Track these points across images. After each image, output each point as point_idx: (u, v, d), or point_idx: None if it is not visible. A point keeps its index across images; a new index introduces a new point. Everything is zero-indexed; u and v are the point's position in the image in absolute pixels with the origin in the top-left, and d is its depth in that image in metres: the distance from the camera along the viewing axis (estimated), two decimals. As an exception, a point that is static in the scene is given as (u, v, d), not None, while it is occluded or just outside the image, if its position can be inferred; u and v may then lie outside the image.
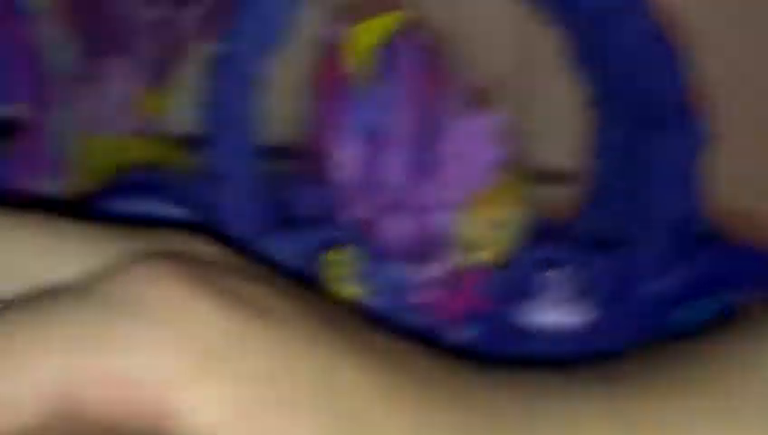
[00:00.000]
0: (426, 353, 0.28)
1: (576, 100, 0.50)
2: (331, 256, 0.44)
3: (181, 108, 0.60)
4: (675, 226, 0.46)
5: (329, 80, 0.46)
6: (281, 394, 0.24)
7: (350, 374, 0.25)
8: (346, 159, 0.46)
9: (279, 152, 0.48)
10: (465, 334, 0.46)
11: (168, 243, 0.27)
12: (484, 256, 0.47)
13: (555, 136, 0.54)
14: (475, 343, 0.46)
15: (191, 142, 0.57)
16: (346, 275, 0.45)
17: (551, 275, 0.45)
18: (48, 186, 0.48)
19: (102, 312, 0.24)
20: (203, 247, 0.28)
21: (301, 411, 0.24)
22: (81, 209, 0.46)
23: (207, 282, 0.25)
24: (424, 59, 0.46)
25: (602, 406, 0.27)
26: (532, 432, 0.27)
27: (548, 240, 0.46)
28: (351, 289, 0.45)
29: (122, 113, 0.59)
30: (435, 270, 0.45)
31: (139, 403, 0.24)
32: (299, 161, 0.47)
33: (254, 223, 0.45)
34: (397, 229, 0.47)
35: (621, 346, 0.45)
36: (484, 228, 0.47)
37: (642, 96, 0.47)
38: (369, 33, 0.46)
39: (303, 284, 0.28)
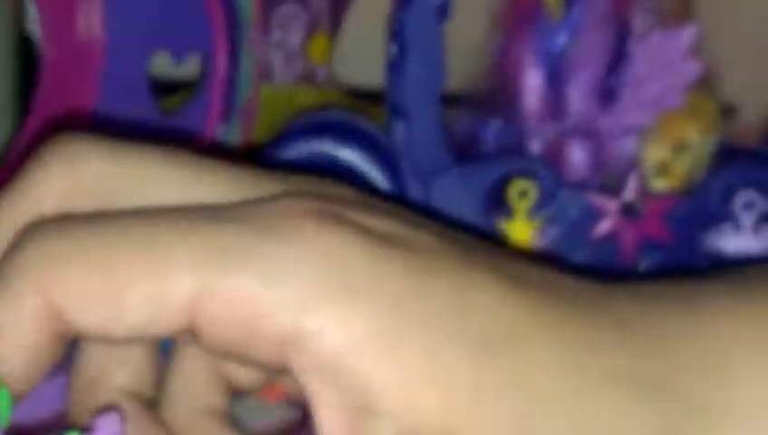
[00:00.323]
0: (563, 274, 0.27)
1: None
2: (516, 186, 0.44)
3: (350, 57, 0.60)
4: None
5: (520, 9, 0.46)
6: (414, 317, 0.24)
7: (491, 294, 0.25)
8: (533, 86, 0.45)
9: (458, 100, 0.48)
10: (647, 263, 0.45)
11: (304, 185, 0.27)
12: (670, 182, 0.46)
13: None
14: (657, 272, 0.45)
15: (360, 93, 0.58)
16: (530, 206, 0.44)
17: (736, 200, 0.44)
18: (224, 134, 0.49)
19: (245, 233, 0.24)
20: (338, 189, 0.28)
21: (436, 333, 0.24)
22: (255, 158, 0.47)
23: (344, 217, 0.25)
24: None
25: (738, 319, 0.26)
26: (664, 348, 0.26)
27: (735, 166, 0.45)
28: (535, 219, 0.45)
29: (292, 61, 0.60)
30: (618, 198, 0.45)
31: (265, 326, 0.24)
32: (480, 100, 0.46)
33: (437, 159, 0.45)
34: (581, 156, 0.46)
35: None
36: (670, 152, 0.46)
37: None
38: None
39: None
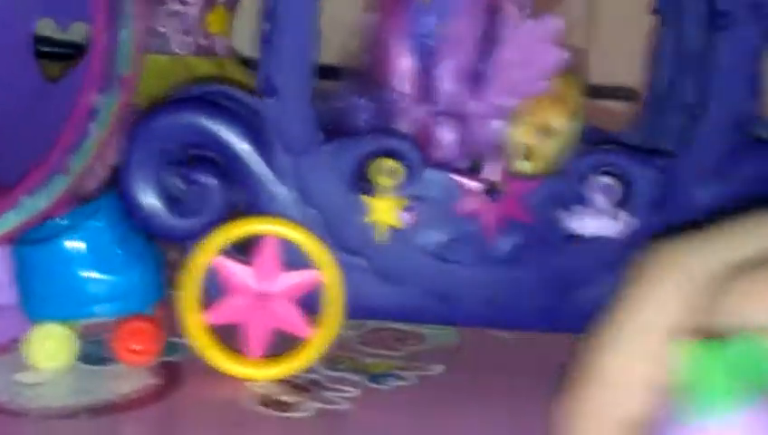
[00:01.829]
0: None
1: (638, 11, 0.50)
2: (382, 165, 0.45)
3: (244, 30, 0.61)
4: (732, 128, 0.45)
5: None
6: None
7: None
8: (403, 67, 0.46)
9: (332, 72, 0.48)
10: (508, 243, 0.46)
11: None
12: (535, 165, 0.47)
13: (613, 51, 0.54)
14: (517, 251, 0.46)
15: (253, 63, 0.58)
16: (396, 184, 0.46)
17: (594, 184, 0.45)
18: (102, 104, 0.49)
19: None
20: None
21: None
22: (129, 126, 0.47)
23: None
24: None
25: None
26: None
27: (594, 150, 0.46)
28: (400, 198, 0.46)
29: (190, 33, 0.61)
30: (483, 178, 0.46)
31: None
32: (353, 77, 0.47)
33: (307, 135, 0.46)
34: (449, 137, 0.47)
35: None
36: (535, 137, 0.47)
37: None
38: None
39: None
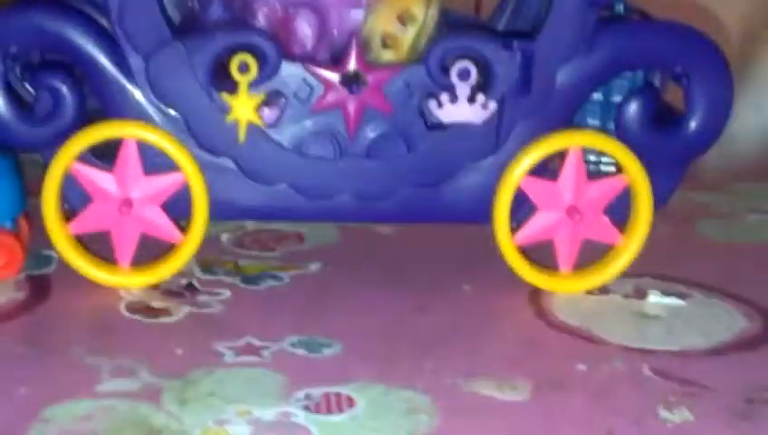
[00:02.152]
0: None
1: None
2: (237, 60, 0.44)
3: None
4: (585, 7, 0.44)
5: None
6: None
7: None
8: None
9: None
10: (371, 135, 0.46)
11: None
12: (396, 54, 0.46)
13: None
14: (381, 143, 0.46)
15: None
16: (252, 79, 0.44)
17: (456, 71, 0.44)
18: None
19: None
20: None
21: None
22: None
23: None
24: None
25: None
26: None
27: (456, 35, 0.45)
28: (258, 93, 0.45)
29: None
30: (343, 69, 0.45)
31: None
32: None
33: (155, 32, 0.44)
34: (307, 29, 0.46)
35: (527, 140, 0.46)
36: (394, 24, 0.46)
37: None
38: None
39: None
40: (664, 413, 0.38)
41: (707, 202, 0.61)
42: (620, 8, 0.47)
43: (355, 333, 0.43)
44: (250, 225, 0.54)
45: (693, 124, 0.46)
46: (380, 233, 0.53)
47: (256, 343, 0.42)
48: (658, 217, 0.50)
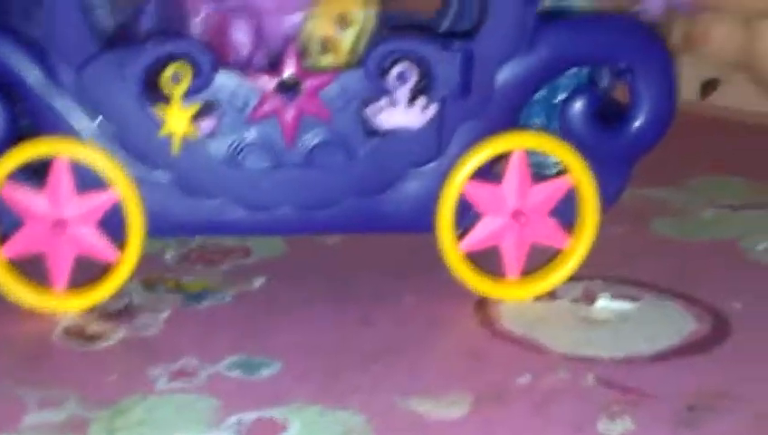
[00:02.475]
0: None
1: None
2: (170, 70, 0.43)
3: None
4: (520, 6, 0.43)
5: None
6: None
7: None
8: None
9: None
10: (309, 143, 0.44)
11: None
12: (335, 58, 0.45)
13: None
14: (319, 151, 0.44)
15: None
16: (186, 89, 0.43)
17: (394, 74, 0.43)
18: None
19: None
20: None
21: None
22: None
23: None
24: None
25: None
26: None
27: (394, 38, 0.44)
28: (192, 104, 0.43)
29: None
30: (280, 76, 0.44)
31: None
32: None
33: (84, 44, 0.43)
34: (243, 36, 0.45)
35: (469, 143, 0.45)
36: (333, 29, 0.45)
37: None
38: None
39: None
40: (605, 423, 0.37)
41: (663, 198, 0.59)
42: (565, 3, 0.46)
43: (296, 351, 0.42)
44: (196, 239, 0.53)
45: (638, 121, 0.45)
46: (327, 244, 0.52)
47: (192, 366, 0.41)
48: (612, 216, 0.49)
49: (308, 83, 0.44)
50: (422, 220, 0.45)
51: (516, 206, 0.45)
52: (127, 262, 0.45)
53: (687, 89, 0.91)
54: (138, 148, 0.44)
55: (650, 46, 0.44)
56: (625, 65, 0.45)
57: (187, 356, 0.41)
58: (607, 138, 0.45)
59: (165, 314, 0.45)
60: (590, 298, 0.46)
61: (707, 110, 0.76)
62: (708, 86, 0.96)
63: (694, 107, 0.76)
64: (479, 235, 0.45)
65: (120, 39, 0.44)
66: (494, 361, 0.41)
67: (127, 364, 0.41)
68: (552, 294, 0.46)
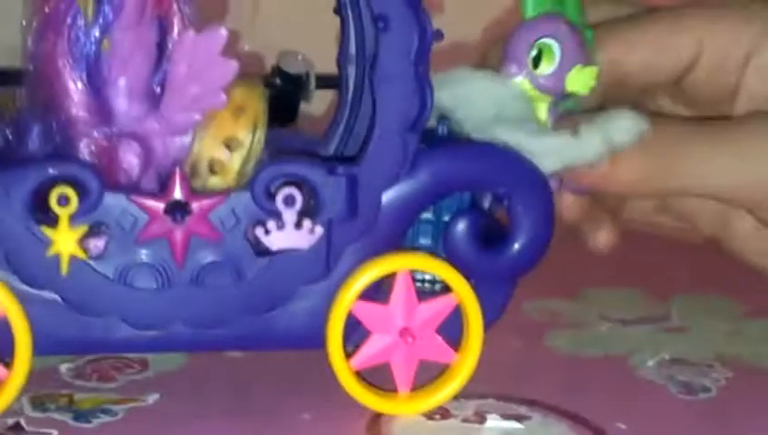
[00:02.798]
0: None
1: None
2: (56, 192, 0.43)
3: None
4: (401, 132, 0.44)
5: (51, 8, 0.44)
6: None
7: None
8: (72, 89, 0.44)
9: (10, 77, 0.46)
10: (198, 263, 0.45)
11: None
12: (223, 179, 0.46)
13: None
14: (208, 271, 0.45)
15: None
16: (73, 212, 0.43)
17: (280, 196, 0.44)
18: None
19: None
20: None
21: None
22: None
23: None
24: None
25: None
26: None
27: (279, 160, 0.45)
28: (80, 226, 0.43)
29: None
30: (168, 198, 0.44)
31: None
32: (23, 103, 0.45)
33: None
34: (131, 158, 0.45)
35: (357, 263, 0.45)
36: (221, 151, 0.45)
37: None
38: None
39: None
40: None
41: (560, 311, 0.61)
42: (444, 130, 0.47)
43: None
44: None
45: (517, 244, 0.46)
46: (228, 357, 0.52)
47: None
48: (508, 329, 0.50)
49: (196, 205, 0.45)
50: (313, 338, 0.46)
51: (403, 324, 0.46)
52: (13, 382, 0.44)
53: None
54: (24, 268, 0.44)
55: (526, 173, 0.46)
56: (503, 191, 0.46)
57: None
58: (489, 258, 0.46)
59: (53, 434, 0.44)
60: (480, 418, 0.46)
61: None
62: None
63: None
64: (369, 352, 0.46)
65: (4, 159, 0.44)
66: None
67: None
68: (445, 413, 0.47)
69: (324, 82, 0.59)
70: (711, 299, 0.63)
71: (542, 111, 0.48)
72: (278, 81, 0.62)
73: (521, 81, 0.47)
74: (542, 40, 0.47)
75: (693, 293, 0.64)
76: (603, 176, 0.47)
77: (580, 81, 0.47)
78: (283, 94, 0.60)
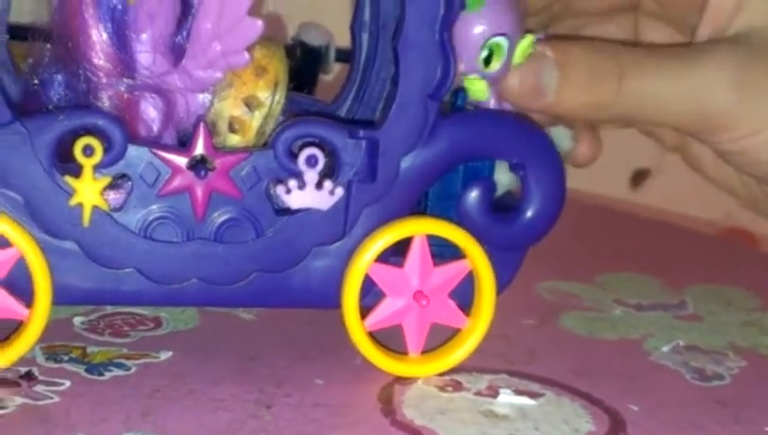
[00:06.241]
0: None
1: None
2: (81, 142, 0.43)
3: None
4: (422, 99, 0.45)
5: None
6: None
7: None
8: (97, 41, 0.44)
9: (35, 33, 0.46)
10: (219, 219, 0.45)
11: None
12: (243, 138, 0.46)
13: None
14: (229, 228, 0.45)
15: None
16: (97, 163, 0.44)
17: (301, 156, 0.44)
18: None
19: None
20: None
21: None
22: None
23: None
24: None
25: None
26: None
27: (301, 121, 0.45)
28: (103, 177, 0.44)
29: None
30: (190, 153, 0.44)
31: None
32: (45, 52, 0.45)
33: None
34: (153, 113, 0.45)
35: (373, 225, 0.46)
36: (241, 110, 0.46)
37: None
38: None
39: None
40: None
41: (575, 293, 0.61)
42: (462, 100, 0.47)
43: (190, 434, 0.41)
44: (107, 307, 0.53)
45: (529, 213, 0.47)
46: (242, 318, 0.52)
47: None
48: (523, 308, 0.50)
49: (219, 162, 0.45)
50: (328, 297, 0.46)
51: (418, 287, 0.46)
52: (33, 326, 0.45)
53: (616, 182, 0.93)
54: (45, 217, 0.44)
55: (540, 144, 0.47)
56: (517, 161, 0.47)
57: (79, 432, 0.41)
58: (500, 227, 0.47)
59: (65, 385, 0.44)
60: (493, 392, 0.47)
61: (630, 208, 0.78)
62: (639, 176, 0.98)
63: (616, 203, 0.78)
64: (383, 314, 0.47)
65: (30, 108, 0.45)
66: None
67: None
68: (457, 385, 0.47)
69: (344, 54, 0.59)
70: (726, 290, 0.63)
71: (484, 90, 0.48)
72: (298, 52, 0.62)
73: (473, 78, 0.48)
74: (493, 40, 0.47)
75: (708, 283, 0.64)
76: (549, 105, 0.47)
77: (522, 52, 0.48)
78: (303, 65, 0.61)
